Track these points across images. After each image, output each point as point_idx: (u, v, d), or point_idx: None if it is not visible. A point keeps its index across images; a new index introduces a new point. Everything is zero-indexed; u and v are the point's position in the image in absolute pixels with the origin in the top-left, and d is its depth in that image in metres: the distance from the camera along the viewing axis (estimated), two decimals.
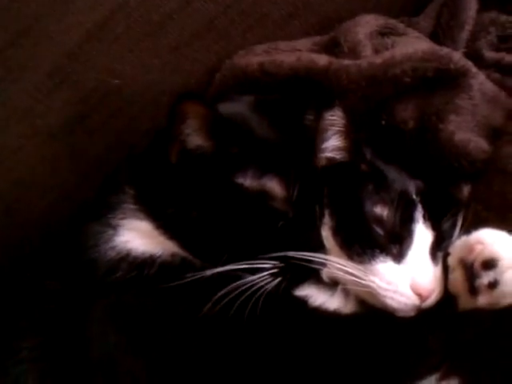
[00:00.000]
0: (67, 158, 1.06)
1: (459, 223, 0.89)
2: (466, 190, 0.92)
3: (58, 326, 0.86)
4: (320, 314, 0.83)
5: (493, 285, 0.74)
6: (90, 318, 0.83)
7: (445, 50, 0.94)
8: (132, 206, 0.88)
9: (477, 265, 0.76)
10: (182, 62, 1.03)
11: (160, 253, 0.84)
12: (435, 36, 1.10)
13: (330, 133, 0.89)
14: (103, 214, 0.89)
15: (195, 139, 0.82)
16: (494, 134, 0.93)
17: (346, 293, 0.88)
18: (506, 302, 0.75)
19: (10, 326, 0.90)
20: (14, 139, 1.00)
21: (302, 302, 0.84)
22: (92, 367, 0.81)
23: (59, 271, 0.92)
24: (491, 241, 0.77)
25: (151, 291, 0.82)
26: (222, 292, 0.77)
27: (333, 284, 0.88)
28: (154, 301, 0.82)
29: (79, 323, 0.84)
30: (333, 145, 0.90)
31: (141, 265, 0.83)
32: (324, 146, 0.90)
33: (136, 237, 0.86)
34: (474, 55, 1.02)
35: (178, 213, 0.83)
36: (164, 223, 0.84)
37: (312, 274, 0.86)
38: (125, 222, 0.88)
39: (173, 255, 0.84)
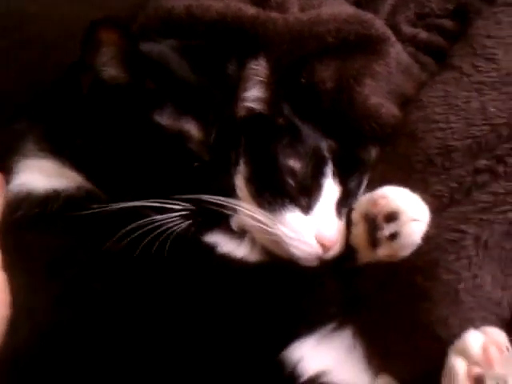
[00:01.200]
0: None
1: (365, 182, 0.92)
2: (373, 151, 0.95)
3: None
4: (226, 259, 0.83)
5: (393, 236, 0.79)
6: None
7: (368, 16, 0.95)
8: (33, 147, 0.84)
9: (380, 217, 0.80)
10: None
11: (64, 187, 0.81)
12: (358, 6, 1.09)
13: (251, 82, 0.89)
14: (5, 150, 0.84)
15: (110, 69, 0.80)
16: (404, 102, 0.96)
17: (253, 243, 0.88)
18: (403, 253, 0.79)
19: None
20: None
21: (210, 247, 0.84)
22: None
23: None
24: (394, 196, 0.81)
25: (53, 225, 0.78)
26: (128, 228, 0.75)
27: (241, 234, 0.89)
28: (54, 234, 0.78)
29: None
30: (254, 95, 0.90)
31: (43, 201, 0.79)
32: (245, 95, 0.90)
33: (36, 175, 0.82)
34: (392, 28, 1.03)
35: (87, 144, 0.81)
36: (70, 154, 0.81)
37: (222, 221, 0.86)
38: (25, 162, 0.84)
39: (78, 188, 0.81)
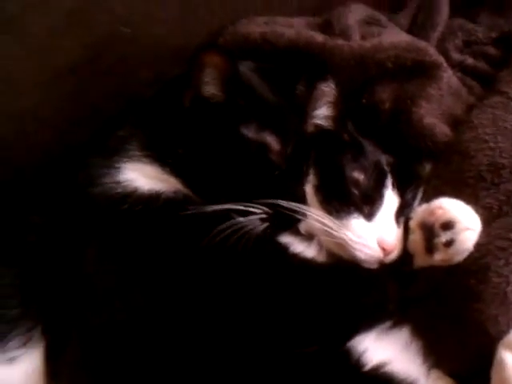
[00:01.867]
0: (69, 98, 1.08)
1: (420, 195, 1.01)
2: (427, 167, 1.04)
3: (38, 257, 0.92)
4: (299, 258, 0.92)
5: (449, 243, 0.87)
6: (89, 247, 0.88)
7: (423, 44, 1.06)
8: (138, 153, 0.94)
9: (437, 226, 0.89)
10: (189, 22, 1.09)
11: (164, 190, 0.90)
12: (410, 33, 1.20)
13: (321, 102, 0.99)
14: (109, 153, 0.94)
15: (211, 87, 0.90)
16: (454, 122, 1.06)
17: (320, 246, 0.97)
18: (458, 258, 0.88)
19: None
20: (22, 72, 1.02)
21: (285, 247, 0.92)
22: (90, 288, 0.86)
23: (46, 206, 0.98)
24: (450, 207, 0.89)
25: (154, 224, 0.88)
26: (221, 227, 0.84)
27: (308, 237, 0.97)
28: (155, 231, 0.87)
29: (76, 252, 0.89)
30: (322, 113, 1.00)
31: (147, 200, 0.89)
32: (314, 113, 1.00)
33: (141, 176, 0.92)
34: (442, 54, 1.12)
35: (187, 152, 0.90)
36: (172, 162, 0.91)
37: (294, 224, 0.95)
38: (129, 165, 0.93)
39: (176, 192, 0.90)
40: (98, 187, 0.92)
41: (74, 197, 0.94)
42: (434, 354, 0.91)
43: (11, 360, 0.88)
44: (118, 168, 0.92)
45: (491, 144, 0.96)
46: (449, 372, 0.91)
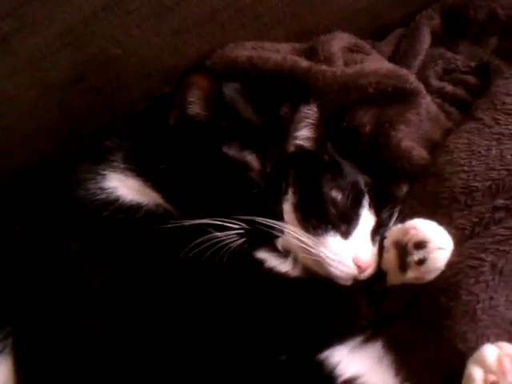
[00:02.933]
0: (59, 114, 1.13)
1: (395, 215, 1.03)
2: (404, 188, 1.07)
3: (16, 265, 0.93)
4: (274, 273, 0.94)
5: (421, 261, 0.89)
6: (68, 249, 0.89)
7: (404, 71, 1.10)
8: (121, 165, 0.95)
9: (410, 245, 0.91)
10: (180, 45, 1.12)
11: (146, 202, 0.92)
12: (393, 60, 1.24)
13: (303, 124, 1.02)
14: (95, 159, 0.96)
15: (195, 107, 0.92)
16: (432, 146, 1.09)
17: (295, 261, 0.98)
18: (430, 277, 0.90)
19: None
20: (13, 87, 1.07)
21: (259, 262, 0.94)
22: (66, 293, 0.87)
23: (29, 212, 0.99)
24: (423, 227, 0.92)
25: (134, 233, 0.90)
26: (198, 241, 0.85)
27: (284, 253, 0.99)
28: (134, 240, 0.89)
29: (54, 254, 0.90)
30: (304, 134, 1.03)
31: (128, 210, 0.91)
32: (296, 134, 1.02)
33: (124, 187, 0.93)
34: (422, 81, 1.16)
35: (169, 169, 0.92)
36: (154, 177, 0.93)
37: (271, 240, 0.96)
38: (113, 175, 0.95)
39: (157, 205, 0.92)
40: (83, 190, 0.93)
41: (60, 198, 0.95)
42: (406, 368, 0.91)
43: None
44: (104, 175, 0.94)
45: (465, 168, 0.99)
46: None
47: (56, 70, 1.07)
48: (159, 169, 0.93)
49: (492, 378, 0.79)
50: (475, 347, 0.83)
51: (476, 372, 0.80)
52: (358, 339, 0.92)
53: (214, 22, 1.13)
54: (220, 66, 1.12)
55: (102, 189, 0.93)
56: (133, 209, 0.91)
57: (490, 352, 0.81)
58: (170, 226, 0.88)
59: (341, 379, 0.85)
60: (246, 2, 1.12)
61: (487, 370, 0.79)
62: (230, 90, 1.01)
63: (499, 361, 0.79)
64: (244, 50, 1.14)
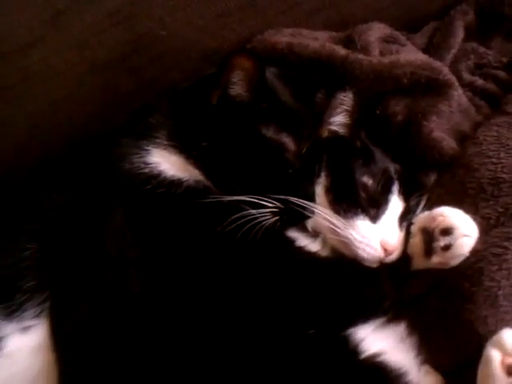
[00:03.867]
0: (102, 91, 1.16)
1: (423, 202, 1.06)
2: (432, 177, 1.09)
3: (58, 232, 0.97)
4: (304, 251, 0.98)
5: (447, 247, 0.92)
6: (111, 218, 0.93)
7: (438, 63, 1.12)
8: (165, 142, 0.99)
9: (437, 231, 0.94)
10: (221, 29, 1.15)
11: (187, 178, 0.96)
12: (426, 52, 1.25)
13: (338, 110, 1.05)
14: (140, 135, 1.00)
15: (238, 88, 0.96)
16: (461, 138, 1.11)
17: (324, 242, 1.02)
18: (454, 262, 0.93)
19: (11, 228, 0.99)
20: (61, 63, 1.09)
21: (291, 240, 0.98)
22: (106, 260, 0.91)
23: (73, 184, 1.03)
24: (451, 214, 0.95)
25: (174, 206, 0.94)
26: (234, 216, 0.89)
27: (314, 234, 1.02)
28: (175, 213, 0.94)
29: (96, 223, 0.94)
30: (339, 120, 1.06)
31: (170, 184, 0.94)
32: (331, 120, 1.06)
33: (166, 163, 0.97)
34: (454, 74, 1.17)
35: (210, 147, 0.96)
36: (195, 154, 0.97)
37: (302, 220, 1.00)
38: (157, 150, 0.99)
39: (197, 182, 0.96)
40: (127, 164, 0.97)
41: (104, 170, 1.00)
42: (427, 349, 0.95)
43: (25, 329, 0.93)
44: (147, 150, 0.98)
45: (494, 159, 1.01)
46: (438, 367, 0.96)
47: (103, 49, 1.09)
48: (201, 146, 0.97)
49: (509, 360, 0.82)
50: (495, 331, 0.86)
51: (494, 354, 0.83)
52: (382, 319, 0.95)
53: (254, 8, 1.15)
54: (259, 51, 1.14)
55: (146, 163, 0.96)
56: (174, 183, 0.95)
57: (509, 336, 0.84)
58: (208, 200, 0.92)
59: (364, 355, 0.89)
60: None
61: (505, 352, 0.83)
62: (270, 73, 1.04)
63: None
64: (283, 36, 1.16)
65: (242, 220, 0.90)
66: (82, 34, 1.07)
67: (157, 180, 0.95)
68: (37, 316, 0.93)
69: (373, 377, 0.89)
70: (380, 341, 0.93)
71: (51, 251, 0.96)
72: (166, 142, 0.99)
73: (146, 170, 0.96)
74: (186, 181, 0.96)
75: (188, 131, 0.99)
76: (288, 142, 0.99)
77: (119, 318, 0.88)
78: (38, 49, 1.06)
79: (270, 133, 0.97)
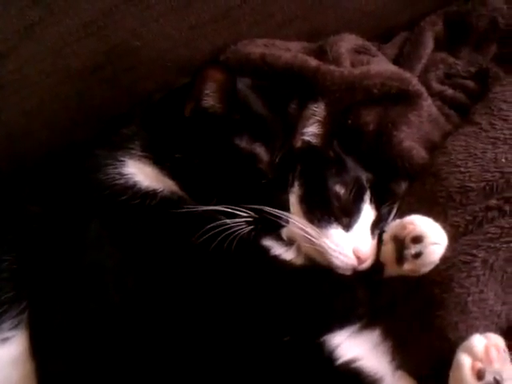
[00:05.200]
0: (77, 100, 1.16)
1: (394, 210, 1.08)
2: (403, 185, 1.11)
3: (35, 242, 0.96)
4: (278, 260, 0.98)
5: (418, 255, 0.93)
6: (87, 229, 0.92)
7: (407, 74, 1.13)
8: (139, 153, 0.99)
9: (407, 239, 0.94)
10: (195, 40, 1.15)
11: (162, 189, 0.96)
12: (397, 63, 1.28)
13: (311, 121, 1.06)
14: (114, 146, 0.99)
15: (210, 99, 0.96)
16: (431, 147, 1.13)
17: (299, 250, 1.02)
18: (425, 269, 0.94)
19: None
20: (35, 73, 1.09)
21: (265, 249, 0.98)
22: (82, 270, 0.91)
23: (48, 194, 1.02)
24: (420, 223, 0.95)
25: (149, 217, 0.93)
26: (208, 226, 0.89)
27: (289, 242, 1.03)
28: (150, 223, 0.93)
29: (73, 234, 0.94)
30: (311, 131, 1.07)
31: (144, 195, 0.94)
32: (304, 130, 1.07)
33: (141, 174, 0.97)
34: (424, 84, 1.20)
35: (184, 158, 0.96)
36: (170, 166, 0.96)
37: (277, 229, 1.00)
38: (131, 161, 0.98)
39: (172, 193, 0.96)
40: (102, 175, 0.96)
41: (79, 181, 0.99)
42: (401, 355, 0.96)
43: (3, 341, 0.92)
44: (122, 161, 0.97)
45: (462, 169, 1.03)
46: (412, 372, 0.97)
47: (76, 59, 1.09)
48: (175, 157, 0.96)
49: (479, 365, 0.84)
50: (465, 337, 0.89)
51: (464, 359, 0.85)
52: (356, 326, 0.96)
53: (228, 19, 1.16)
54: (233, 62, 1.15)
55: (121, 174, 0.96)
56: (149, 194, 0.95)
57: (479, 342, 0.86)
58: (183, 211, 0.92)
59: (339, 361, 0.90)
60: (259, 0, 1.16)
61: (475, 357, 0.85)
62: (242, 84, 1.04)
63: (486, 350, 0.85)
64: (256, 47, 1.17)
65: (217, 230, 0.90)
66: (55, 44, 1.06)
67: (132, 191, 0.95)
68: (15, 327, 0.92)
69: (348, 383, 0.90)
70: (355, 347, 0.94)
71: (28, 262, 0.95)
72: (140, 153, 0.98)
73: (121, 181, 0.95)
74: (160, 192, 0.95)
75: (161, 142, 0.98)
76: (261, 152, 0.99)
77: (97, 328, 0.87)
78: (11, 59, 1.06)
79: (243, 143, 0.98)
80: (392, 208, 1.08)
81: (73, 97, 1.15)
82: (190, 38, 1.14)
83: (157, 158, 0.98)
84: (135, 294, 0.88)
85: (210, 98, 0.96)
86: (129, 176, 0.96)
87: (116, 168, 0.97)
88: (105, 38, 1.08)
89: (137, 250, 0.92)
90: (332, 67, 1.10)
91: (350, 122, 1.13)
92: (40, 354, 0.91)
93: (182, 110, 0.97)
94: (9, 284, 0.94)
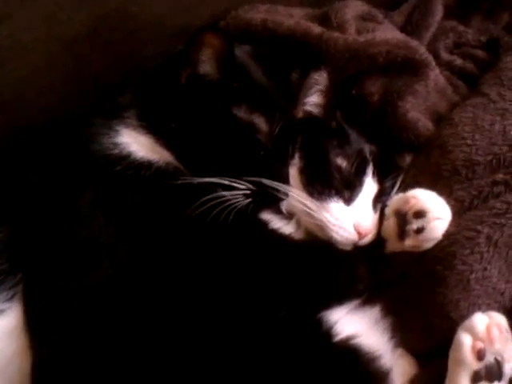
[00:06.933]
0: (73, 68, 1.11)
1: (398, 184, 1.04)
2: (408, 158, 1.07)
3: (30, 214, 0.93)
4: (277, 233, 0.95)
5: (420, 230, 0.90)
6: (81, 200, 0.90)
7: (414, 42, 1.08)
8: (135, 122, 0.95)
9: (410, 214, 0.91)
10: (195, 5, 1.11)
11: (157, 160, 0.92)
12: (404, 31, 1.22)
13: (313, 90, 1.01)
14: (109, 115, 0.96)
15: (207, 66, 0.92)
16: (437, 118, 1.08)
17: (298, 224, 0.99)
18: (427, 245, 0.91)
19: None
20: (29, 40, 1.04)
21: (264, 223, 0.95)
22: (77, 242, 0.88)
23: (45, 164, 0.99)
24: (424, 197, 0.92)
25: (144, 188, 0.90)
26: (205, 198, 0.86)
27: (288, 216, 1.00)
28: (145, 195, 0.90)
29: (67, 205, 0.91)
30: (313, 101, 1.02)
31: (139, 166, 0.91)
32: (305, 100, 1.02)
33: (136, 144, 0.93)
34: (432, 53, 1.15)
35: (180, 127, 0.92)
36: (165, 135, 0.93)
37: (275, 202, 0.97)
38: (126, 131, 0.95)
39: (168, 163, 0.93)
40: (97, 145, 0.93)
41: (73, 151, 0.96)
42: (400, 332, 0.94)
43: None
44: (117, 131, 0.94)
45: (468, 141, 0.99)
46: (411, 350, 0.95)
47: (72, 24, 1.04)
48: (170, 127, 0.93)
49: (480, 345, 0.81)
50: (466, 315, 0.86)
51: (465, 338, 0.82)
52: (356, 302, 0.94)
53: None
54: (233, 28, 1.10)
55: (116, 144, 0.93)
56: (144, 165, 0.91)
57: (480, 320, 0.83)
58: (178, 182, 0.89)
59: (337, 337, 0.87)
60: None
61: (476, 337, 0.82)
62: (241, 51, 1.00)
63: (488, 329, 0.82)
64: (258, 13, 1.12)
65: (214, 202, 0.87)
66: (50, 10, 1.01)
67: (126, 161, 0.91)
68: (9, 299, 0.90)
69: (346, 360, 0.88)
70: (354, 323, 0.91)
71: (23, 234, 0.93)
72: (135, 123, 0.95)
73: (116, 151, 0.92)
74: (155, 162, 0.92)
75: (157, 112, 0.95)
76: (260, 122, 0.95)
77: (90, 302, 0.85)
78: (5, 26, 1.01)
79: (241, 113, 0.94)
80: (395, 181, 1.04)
81: (69, 64, 1.10)
82: (188, 3, 1.10)
83: (152, 128, 0.94)
84: (129, 267, 0.86)
85: (206, 65, 0.92)
86: (123, 146, 0.93)
87: (110, 138, 0.93)
88: (101, 2, 1.03)
89: (131, 223, 0.89)
90: (336, 34, 1.05)
91: (354, 92, 1.08)
92: (35, 327, 0.89)
93: (177, 78, 0.93)
94: (3, 255, 0.91)
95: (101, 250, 0.87)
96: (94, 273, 0.86)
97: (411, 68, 1.07)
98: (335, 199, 0.97)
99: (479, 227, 0.90)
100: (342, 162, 1.00)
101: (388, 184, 1.03)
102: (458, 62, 1.19)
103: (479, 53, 1.21)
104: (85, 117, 0.99)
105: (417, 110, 1.06)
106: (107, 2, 1.03)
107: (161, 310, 0.84)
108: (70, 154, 0.96)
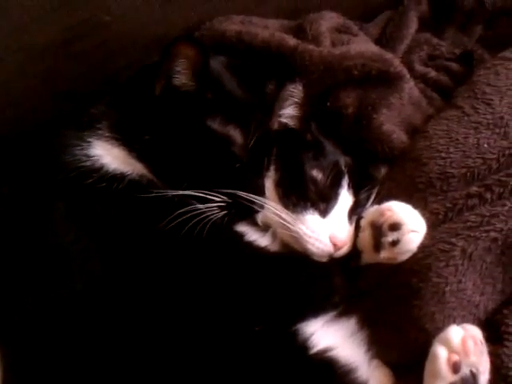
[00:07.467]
0: (45, 77, 1.09)
1: (373, 196, 1.04)
2: (383, 170, 1.07)
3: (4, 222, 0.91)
4: (253, 246, 0.94)
5: (395, 243, 0.89)
6: (53, 212, 0.88)
7: (389, 55, 1.09)
8: (107, 134, 0.93)
9: (385, 226, 0.91)
10: (169, 15, 1.10)
11: (130, 172, 0.90)
12: (379, 43, 1.23)
13: (288, 102, 1.01)
14: (81, 126, 0.94)
15: (181, 77, 0.90)
16: (412, 131, 1.09)
17: (274, 236, 0.99)
18: (402, 258, 0.91)
19: None
20: (1, 50, 1.02)
21: (239, 235, 0.94)
22: (48, 255, 0.86)
23: (15, 176, 0.97)
24: (399, 210, 0.92)
25: (117, 201, 0.88)
26: (179, 211, 0.84)
27: (264, 228, 0.99)
28: (118, 208, 0.88)
29: (38, 217, 0.89)
30: (288, 113, 1.02)
31: (112, 178, 0.89)
32: (281, 112, 1.02)
33: (109, 156, 0.92)
34: (406, 65, 1.16)
35: (154, 139, 0.91)
36: (138, 148, 0.91)
37: (251, 215, 0.96)
38: (99, 142, 0.93)
39: (141, 176, 0.91)
40: (69, 156, 0.91)
41: (45, 162, 0.94)
42: (377, 344, 0.94)
43: None
44: (89, 142, 0.92)
45: (443, 154, 0.99)
46: (388, 362, 0.95)
47: (43, 34, 1.03)
48: (144, 139, 0.91)
49: (455, 357, 0.81)
50: (442, 327, 0.86)
51: (440, 351, 0.83)
52: (332, 314, 0.93)
53: None
54: (208, 39, 1.09)
55: (88, 156, 0.91)
56: (117, 178, 0.89)
57: (455, 333, 0.84)
58: (152, 195, 0.87)
59: (313, 350, 0.86)
60: None
61: (451, 349, 0.82)
62: (217, 62, 0.99)
63: (463, 342, 0.82)
64: (232, 24, 1.11)
65: (189, 215, 0.86)
66: (20, 19, 1.00)
67: (99, 174, 0.89)
68: None
69: (322, 372, 0.87)
70: (330, 336, 0.91)
71: None
72: (108, 134, 0.93)
73: (88, 163, 0.90)
74: (128, 175, 0.90)
75: (130, 123, 0.93)
76: (235, 134, 0.94)
77: (61, 315, 0.83)
78: None
79: (215, 125, 0.93)
80: (371, 193, 1.04)
81: (40, 74, 1.08)
82: (162, 13, 1.09)
83: (125, 140, 0.92)
84: (101, 281, 0.84)
85: (180, 76, 0.90)
86: (95, 158, 0.91)
87: (83, 149, 0.91)
88: (73, 12, 1.02)
89: (104, 236, 0.87)
90: (311, 47, 1.05)
91: (328, 104, 1.08)
92: (5, 340, 0.86)
93: (152, 89, 0.92)
94: None
95: (73, 263, 0.85)
96: (65, 286, 0.84)
97: (386, 80, 1.07)
98: (311, 211, 0.97)
99: (454, 240, 0.90)
100: (317, 174, 1.00)
101: (363, 196, 1.03)
102: (433, 74, 1.20)
103: (453, 65, 1.22)
104: (56, 128, 0.97)
105: (391, 123, 1.06)
106: (79, 11, 1.02)
107: (134, 323, 0.82)
108: (42, 166, 0.94)
